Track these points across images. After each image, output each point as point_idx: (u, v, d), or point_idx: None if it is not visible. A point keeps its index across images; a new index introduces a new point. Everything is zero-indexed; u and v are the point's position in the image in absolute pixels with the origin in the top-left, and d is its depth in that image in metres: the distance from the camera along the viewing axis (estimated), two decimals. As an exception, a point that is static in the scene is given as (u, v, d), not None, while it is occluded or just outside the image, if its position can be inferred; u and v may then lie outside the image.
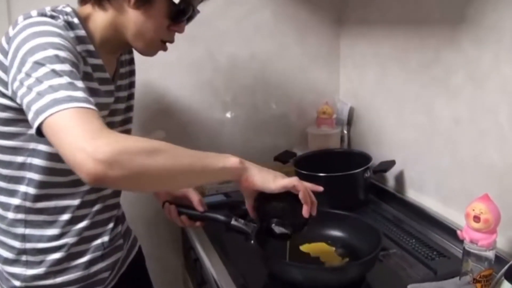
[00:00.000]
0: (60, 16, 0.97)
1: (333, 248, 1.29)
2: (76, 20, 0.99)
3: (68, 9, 1.00)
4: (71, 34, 0.96)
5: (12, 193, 1.02)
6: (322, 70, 1.93)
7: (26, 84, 0.83)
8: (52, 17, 0.95)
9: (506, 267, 0.96)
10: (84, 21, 1.03)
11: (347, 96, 1.92)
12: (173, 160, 0.86)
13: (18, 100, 0.86)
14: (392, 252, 1.29)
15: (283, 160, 1.72)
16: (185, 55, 1.71)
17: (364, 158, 1.61)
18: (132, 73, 1.25)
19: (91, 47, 1.02)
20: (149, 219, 1.77)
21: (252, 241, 1.16)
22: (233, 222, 1.16)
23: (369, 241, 1.22)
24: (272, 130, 1.90)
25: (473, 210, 1.01)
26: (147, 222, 1.77)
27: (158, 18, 1.05)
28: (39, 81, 0.82)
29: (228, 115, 1.83)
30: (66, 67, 0.85)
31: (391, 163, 1.59)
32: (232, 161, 0.98)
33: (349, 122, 1.89)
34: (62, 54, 0.86)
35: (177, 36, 1.10)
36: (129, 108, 1.22)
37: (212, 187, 1.72)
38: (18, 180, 1.01)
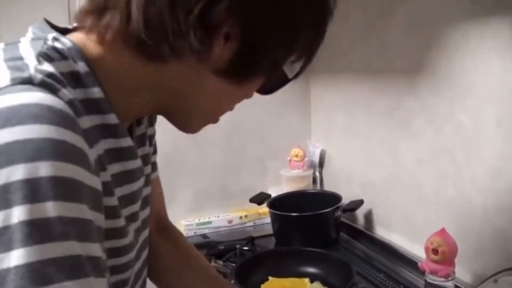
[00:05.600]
0: (61, 80, 0.51)
1: (306, 279, 1.34)
2: (83, 68, 0.55)
3: (67, 43, 0.56)
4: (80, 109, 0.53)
5: None
6: (294, 115, 2.04)
7: None
8: (50, 88, 0.48)
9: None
10: (96, 65, 0.57)
11: (318, 140, 2.02)
12: None
13: None
14: (362, 287, 1.35)
15: (258, 201, 1.76)
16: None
17: (335, 198, 1.68)
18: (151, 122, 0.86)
19: (112, 119, 0.59)
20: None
21: (232, 281, 1.20)
22: (212, 263, 1.22)
23: (341, 275, 1.29)
24: (248, 173, 1.98)
25: (432, 243, 1.10)
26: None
27: (249, 91, 0.73)
28: None
29: (206, 158, 1.91)
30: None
31: (360, 202, 1.67)
32: None
33: (321, 164, 1.98)
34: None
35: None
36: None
37: (190, 228, 1.78)
38: None
